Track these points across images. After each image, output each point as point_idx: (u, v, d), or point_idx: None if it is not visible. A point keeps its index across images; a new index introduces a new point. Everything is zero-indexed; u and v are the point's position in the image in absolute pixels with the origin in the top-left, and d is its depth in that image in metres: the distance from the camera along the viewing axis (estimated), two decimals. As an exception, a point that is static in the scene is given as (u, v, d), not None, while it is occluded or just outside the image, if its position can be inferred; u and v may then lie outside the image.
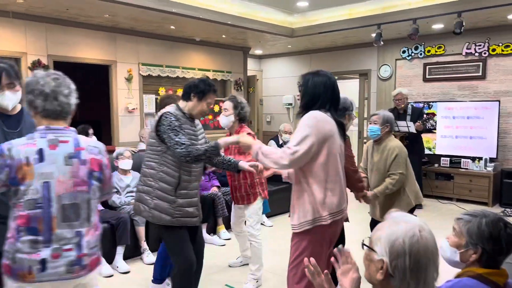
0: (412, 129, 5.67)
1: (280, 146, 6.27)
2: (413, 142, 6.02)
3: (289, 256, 2.33)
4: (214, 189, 4.85)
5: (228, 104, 3.41)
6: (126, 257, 3.88)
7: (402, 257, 1.19)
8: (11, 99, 2.03)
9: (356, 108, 10.86)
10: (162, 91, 6.99)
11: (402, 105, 6.12)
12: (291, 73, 9.20)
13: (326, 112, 2.25)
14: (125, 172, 4.23)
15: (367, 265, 1.30)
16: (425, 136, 6.83)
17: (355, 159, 3.12)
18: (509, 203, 6.00)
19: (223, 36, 7.02)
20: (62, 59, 5.76)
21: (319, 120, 2.19)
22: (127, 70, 6.46)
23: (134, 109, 6.50)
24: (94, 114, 7.30)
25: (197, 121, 2.73)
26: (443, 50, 6.88)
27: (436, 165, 6.79)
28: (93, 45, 6.09)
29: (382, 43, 6.05)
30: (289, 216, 2.38)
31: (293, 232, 2.29)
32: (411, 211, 3.32)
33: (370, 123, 3.34)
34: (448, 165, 6.65)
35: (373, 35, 6.23)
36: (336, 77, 2.48)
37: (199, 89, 2.55)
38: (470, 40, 6.59)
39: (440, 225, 5.16)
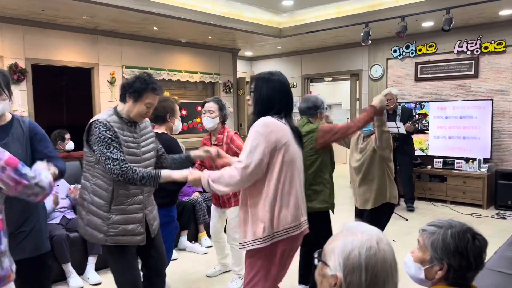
0: (402, 130, 5.49)
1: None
2: (403, 144, 5.85)
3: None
4: (196, 195, 4.68)
5: (213, 106, 3.31)
6: (98, 268, 3.69)
7: (357, 271, 1.04)
8: None
9: (348, 109, 10.73)
10: (147, 94, 6.82)
11: (392, 106, 5.95)
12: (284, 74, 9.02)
13: (280, 119, 2.07)
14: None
15: (320, 281, 1.13)
16: (417, 137, 6.66)
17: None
18: (504, 205, 5.81)
19: (209, 37, 6.86)
20: (41, 62, 5.60)
21: (270, 127, 2.00)
22: (110, 73, 6.30)
23: (117, 113, 6.33)
24: (80, 119, 7.12)
25: (144, 125, 2.39)
26: (435, 48, 6.72)
27: (429, 166, 6.61)
28: (74, 47, 5.93)
29: (370, 42, 5.88)
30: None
31: (245, 251, 2.12)
32: (387, 209, 3.16)
33: None
34: (441, 167, 6.47)
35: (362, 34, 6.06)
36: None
37: (134, 88, 2.20)
38: (462, 38, 6.42)
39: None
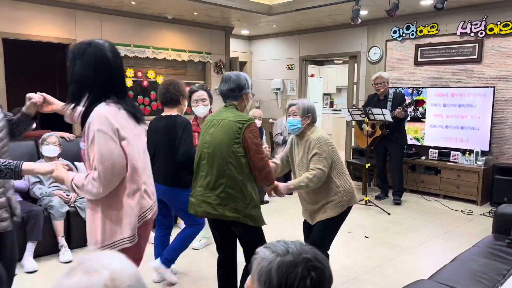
0: (388, 118, 5.08)
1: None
2: (394, 131, 5.46)
3: None
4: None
5: (204, 94, 3.44)
6: (39, 255, 3.51)
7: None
8: None
9: (334, 95, 10.16)
10: (130, 72, 6.57)
11: (382, 90, 5.54)
12: (280, 55, 8.63)
13: (116, 104, 1.78)
14: (50, 159, 3.83)
15: None
16: (413, 126, 6.23)
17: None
18: (500, 202, 5.31)
19: (195, 13, 6.51)
20: (13, 36, 5.39)
21: (110, 119, 1.73)
22: (89, 50, 6.04)
23: (95, 91, 6.10)
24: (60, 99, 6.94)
25: None
26: (436, 29, 6.18)
27: (424, 157, 6.17)
28: (49, 22, 5.68)
29: (359, 20, 5.41)
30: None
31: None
32: (344, 213, 2.82)
33: (289, 115, 2.82)
34: (436, 158, 6.03)
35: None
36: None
37: None
38: (465, 19, 5.87)
39: (413, 225, 4.62)
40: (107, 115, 1.72)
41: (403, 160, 5.71)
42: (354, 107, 5.35)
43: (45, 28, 5.65)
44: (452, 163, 5.78)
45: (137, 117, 1.86)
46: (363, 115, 5.25)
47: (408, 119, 5.77)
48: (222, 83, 2.47)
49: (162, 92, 3.07)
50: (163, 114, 3.10)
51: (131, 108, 1.84)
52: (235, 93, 2.42)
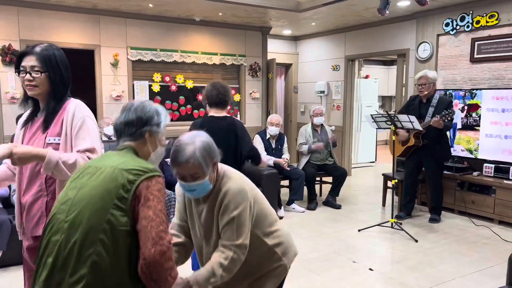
0: (417, 126, 4.25)
1: (267, 140, 5.33)
2: (433, 142, 4.60)
3: None
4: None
5: None
6: (5, 265, 3.43)
7: None
8: None
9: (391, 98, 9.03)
10: (157, 77, 6.47)
11: (426, 92, 4.70)
12: (325, 55, 7.97)
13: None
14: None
15: None
16: (465, 135, 5.25)
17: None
18: None
19: (220, 14, 6.19)
20: (37, 43, 5.54)
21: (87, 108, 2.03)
22: (113, 55, 6.05)
23: (119, 96, 6.09)
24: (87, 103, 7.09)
25: None
26: (497, 19, 5.12)
27: (476, 173, 5.13)
28: (73, 28, 5.78)
29: (387, 12, 4.61)
30: None
31: None
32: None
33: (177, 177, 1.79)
34: (491, 174, 4.97)
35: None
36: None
37: None
38: (532, 4, 4.77)
39: (440, 258, 3.78)
40: (85, 105, 1.97)
41: (441, 176, 4.80)
42: (377, 113, 4.58)
43: (69, 34, 5.75)
44: (510, 182, 4.70)
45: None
46: (389, 122, 4.48)
47: (451, 131, 4.85)
48: (122, 112, 1.66)
49: (214, 93, 3.09)
50: (215, 115, 3.11)
51: None
52: (133, 129, 1.60)
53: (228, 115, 3.15)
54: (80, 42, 5.84)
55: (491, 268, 3.56)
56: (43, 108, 1.95)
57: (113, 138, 5.24)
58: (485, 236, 4.39)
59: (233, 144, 3.09)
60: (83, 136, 1.86)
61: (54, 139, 1.87)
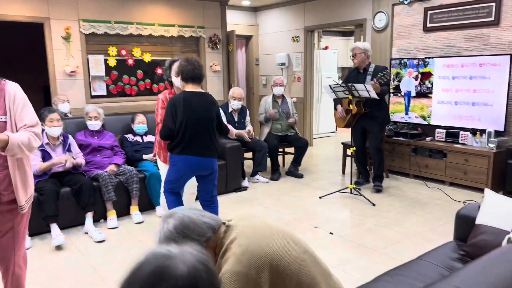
0: (373, 94, 4.38)
1: (229, 114, 5.33)
2: (373, 109, 4.76)
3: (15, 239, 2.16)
4: (111, 167, 4.10)
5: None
6: None
7: None
8: None
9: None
10: (112, 51, 6.25)
11: (357, 62, 4.86)
12: (284, 27, 7.96)
13: None
14: None
15: None
16: (418, 102, 5.45)
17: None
18: (514, 192, 4.54)
19: (176, -16, 6.01)
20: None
21: None
22: (64, 28, 5.78)
23: (73, 71, 5.86)
24: (19, 80, 6.79)
25: None
26: (448, -12, 5.28)
27: (429, 138, 5.39)
28: (19, 0, 5.44)
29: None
30: None
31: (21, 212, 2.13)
32: None
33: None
34: (443, 139, 5.24)
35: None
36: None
37: None
38: (481, -27, 4.93)
39: (396, 220, 3.99)
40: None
41: (382, 140, 4.98)
42: (336, 83, 4.67)
43: (14, 6, 5.42)
44: (460, 146, 4.97)
45: None
46: (347, 92, 4.58)
47: (405, 98, 5.02)
48: None
49: (189, 68, 3.08)
50: (192, 90, 3.13)
51: None
52: None
53: (202, 91, 3.17)
54: (26, 15, 5.52)
55: (441, 226, 3.81)
56: None
57: (69, 115, 5.08)
58: (437, 197, 4.66)
59: (214, 120, 3.18)
60: (25, 113, 2.08)
61: (1, 118, 2.02)
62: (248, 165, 5.70)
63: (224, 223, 1.48)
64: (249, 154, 5.62)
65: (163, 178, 3.47)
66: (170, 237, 1.35)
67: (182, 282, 0.76)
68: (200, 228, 1.37)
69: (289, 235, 1.47)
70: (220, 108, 5.16)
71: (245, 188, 5.09)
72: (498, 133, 4.78)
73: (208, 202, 3.38)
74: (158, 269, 0.78)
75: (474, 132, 4.94)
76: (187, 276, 0.76)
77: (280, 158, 6.03)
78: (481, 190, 4.75)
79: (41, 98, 7.66)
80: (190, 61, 3.11)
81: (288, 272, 1.31)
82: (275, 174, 5.54)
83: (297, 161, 5.68)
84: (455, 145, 5.00)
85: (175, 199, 3.27)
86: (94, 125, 4.27)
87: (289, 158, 6.17)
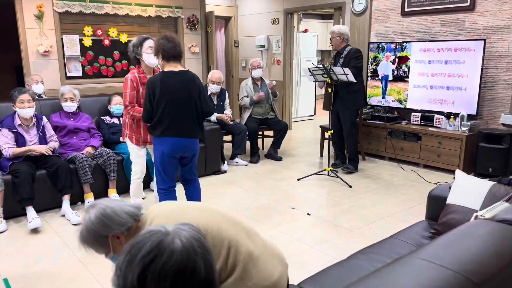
0: (351, 78, 4.43)
1: (208, 97, 5.29)
2: (345, 92, 4.80)
3: None
4: (87, 150, 4.05)
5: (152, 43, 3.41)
6: None
7: None
8: None
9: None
10: (88, 30, 6.09)
11: (330, 45, 4.97)
12: (264, 8, 7.89)
13: None
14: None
15: None
16: (395, 86, 5.54)
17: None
18: (484, 173, 4.69)
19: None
20: None
21: None
22: (37, 6, 5.59)
23: (46, 51, 5.69)
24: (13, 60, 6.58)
25: None
26: (426, -27, 5.32)
27: (405, 122, 5.51)
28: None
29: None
30: None
31: None
32: None
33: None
34: (418, 123, 5.36)
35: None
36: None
37: None
38: (458, -42, 4.99)
39: (371, 201, 4.09)
40: None
41: (353, 124, 5.02)
42: (315, 66, 4.70)
43: (-17, -17, 5.21)
44: (433, 129, 5.10)
45: None
46: (325, 75, 4.62)
47: (383, 82, 5.08)
48: None
49: (170, 46, 3.02)
50: (173, 69, 3.06)
51: None
52: None
53: (183, 69, 3.12)
54: (-3, -8, 5.32)
55: (414, 207, 3.93)
56: None
57: (44, 97, 4.96)
58: (411, 179, 4.80)
59: (197, 99, 3.13)
60: None
61: None
62: (228, 148, 5.71)
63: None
64: (228, 137, 5.63)
65: (134, 160, 3.56)
66: (91, 227, 1.41)
67: (177, 256, 0.82)
68: (121, 217, 1.44)
69: (205, 207, 1.56)
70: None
71: (224, 172, 5.11)
72: (470, 117, 4.92)
73: (191, 181, 3.37)
74: (156, 245, 0.83)
75: (448, 115, 5.07)
76: (182, 250, 0.83)
77: (259, 141, 6.06)
78: (453, 172, 4.89)
79: (14, 78, 7.45)
80: (170, 39, 3.05)
81: (210, 236, 1.41)
82: (254, 157, 5.57)
83: (276, 144, 5.72)
84: (430, 129, 5.12)
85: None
86: (69, 106, 4.19)
87: (268, 141, 6.21)
